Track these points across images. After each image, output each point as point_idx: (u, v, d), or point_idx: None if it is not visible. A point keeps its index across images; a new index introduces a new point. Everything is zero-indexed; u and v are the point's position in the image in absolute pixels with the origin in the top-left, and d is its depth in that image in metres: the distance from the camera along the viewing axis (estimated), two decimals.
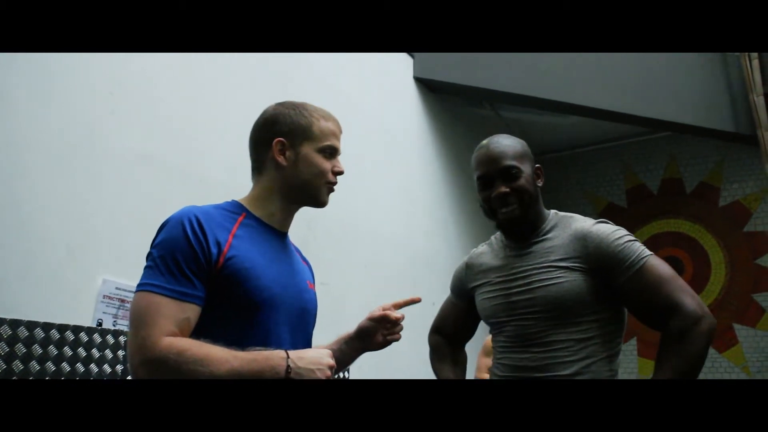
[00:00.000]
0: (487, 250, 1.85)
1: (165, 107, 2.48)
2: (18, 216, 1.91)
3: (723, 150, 5.40)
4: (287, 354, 1.19)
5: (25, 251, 1.91)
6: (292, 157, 1.39)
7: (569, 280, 1.58)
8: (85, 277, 2.07)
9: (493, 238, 1.87)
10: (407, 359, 3.60)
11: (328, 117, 1.45)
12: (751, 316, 5.09)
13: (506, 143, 1.72)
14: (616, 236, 1.60)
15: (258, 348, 1.19)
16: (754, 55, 4.50)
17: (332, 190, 1.44)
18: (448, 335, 1.95)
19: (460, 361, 1.94)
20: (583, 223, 1.68)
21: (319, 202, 1.43)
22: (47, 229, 1.98)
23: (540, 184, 1.74)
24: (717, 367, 5.11)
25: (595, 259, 1.58)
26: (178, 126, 2.53)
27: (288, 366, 1.17)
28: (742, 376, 4.98)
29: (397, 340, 1.53)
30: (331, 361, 1.24)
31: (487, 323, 1.78)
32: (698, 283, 5.32)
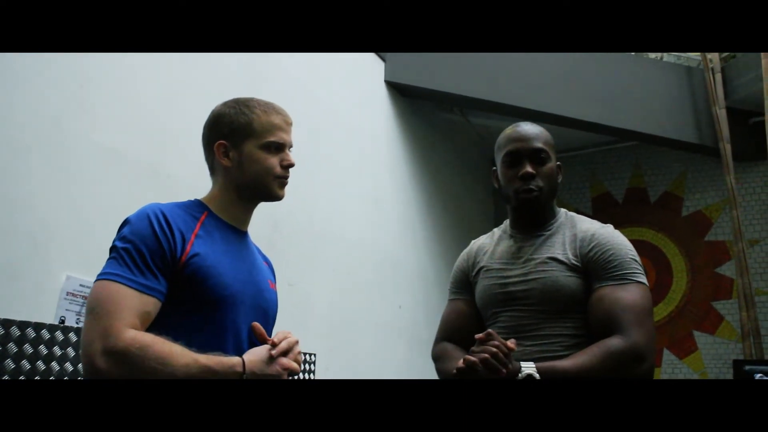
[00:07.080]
0: (488, 240, 1.81)
1: (134, 103, 2.46)
2: None
3: (686, 161, 5.52)
4: (243, 368, 1.19)
5: None
6: (236, 158, 1.38)
7: (566, 275, 1.56)
8: (48, 272, 2.04)
9: (495, 229, 1.83)
10: (373, 361, 3.63)
11: (270, 111, 1.42)
12: (710, 324, 5.21)
13: (539, 128, 1.69)
14: (623, 244, 1.58)
15: (218, 353, 1.20)
16: (717, 69, 4.62)
17: (285, 183, 1.42)
18: (460, 340, 1.70)
19: None
20: (590, 224, 1.67)
21: (273, 197, 1.41)
22: (10, 223, 1.95)
23: (559, 180, 1.72)
24: (677, 373, 5.21)
25: (588, 260, 1.57)
26: (147, 122, 2.51)
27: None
28: None
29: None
30: (284, 373, 1.24)
31: (482, 313, 1.72)
32: (660, 291, 5.42)
